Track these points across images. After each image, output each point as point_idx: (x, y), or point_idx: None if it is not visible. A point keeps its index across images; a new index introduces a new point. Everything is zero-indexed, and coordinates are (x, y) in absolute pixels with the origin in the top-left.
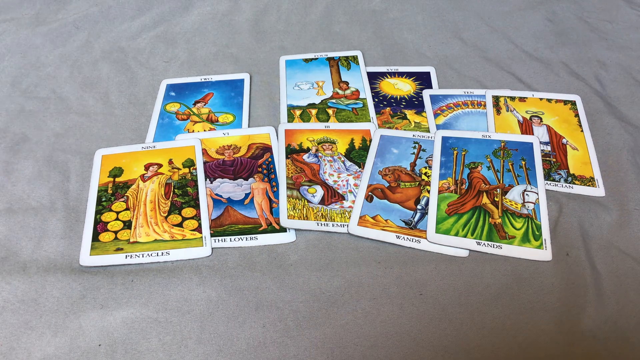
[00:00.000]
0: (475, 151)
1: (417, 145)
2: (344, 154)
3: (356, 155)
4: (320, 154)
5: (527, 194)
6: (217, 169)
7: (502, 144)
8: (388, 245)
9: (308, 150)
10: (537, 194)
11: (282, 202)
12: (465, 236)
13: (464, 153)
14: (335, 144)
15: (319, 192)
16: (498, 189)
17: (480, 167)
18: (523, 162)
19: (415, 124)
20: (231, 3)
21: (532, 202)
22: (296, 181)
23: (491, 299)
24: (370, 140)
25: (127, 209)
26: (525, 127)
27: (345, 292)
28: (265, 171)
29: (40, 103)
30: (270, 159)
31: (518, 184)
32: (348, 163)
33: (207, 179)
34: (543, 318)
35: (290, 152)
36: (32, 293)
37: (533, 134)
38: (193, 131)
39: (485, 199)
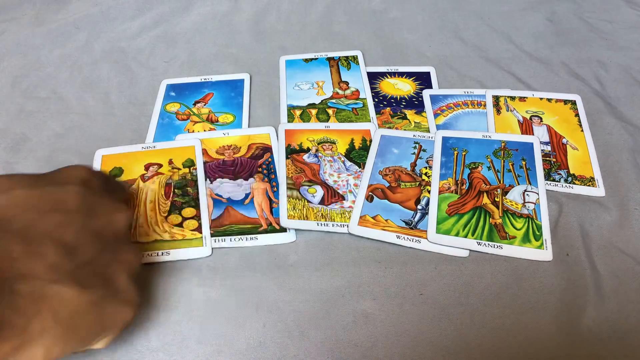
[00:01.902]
0: (475, 151)
1: (417, 145)
2: (344, 154)
3: (356, 155)
4: (320, 154)
5: (527, 194)
6: (217, 169)
7: (503, 144)
8: (388, 245)
9: (308, 150)
10: (538, 194)
11: (282, 202)
12: (465, 236)
13: (464, 153)
14: (335, 144)
15: (319, 192)
16: (498, 189)
17: (480, 167)
18: (523, 162)
19: (415, 124)
20: (231, 3)
21: (533, 202)
22: (296, 181)
23: (491, 299)
24: (371, 141)
25: None
26: (525, 127)
27: (345, 292)
28: (265, 171)
29: (40, 103)
30: (270, 159)
31: (518, 184)
32: (348, 163)
33: (207, 179)
34: (543, 318)
35: (291, 152)
36: None
37: (533, 134)
38: (193, 131)
39: (485, 200)
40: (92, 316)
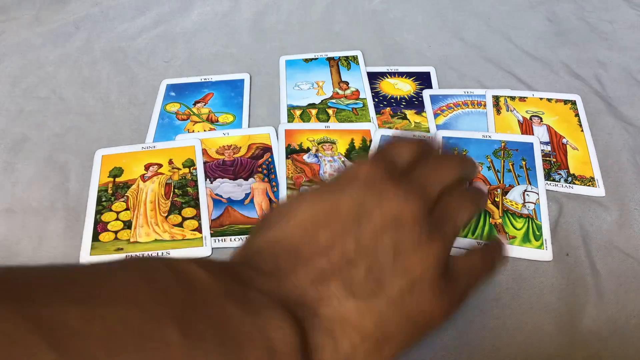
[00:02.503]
0: (475, 151)
1: None
2: (344, 154)
3: (356, 155)
4: (320, 154)
5: (527, 194)
6: (217, 169)
7: (503, 144)
8: None
9: (308, 150)
10: (538, 194)
11: None
12: (465, 236)
13: (464, 153)
14: (335, 144)
15: None
16: (498, 189)
17: (480, 167)
18: (523, 162)
19: (415, 124)
20: (231, 3)
21: (533, 202)
22: (296, 181)
23: (491, 299)
24: (371, 141)
25: (127, 209)
26: (525, 127)
27: None
28: (265, 171)
29: (40, 103)
30: (270, 159)
31: (518, 184)
32: (348, 163)
33: (207, 179)
34: (543, 318)
35: (291, 152)
36: None
37: (533, 134)
38: (193, 131)
39: None
40: (398, 321)
